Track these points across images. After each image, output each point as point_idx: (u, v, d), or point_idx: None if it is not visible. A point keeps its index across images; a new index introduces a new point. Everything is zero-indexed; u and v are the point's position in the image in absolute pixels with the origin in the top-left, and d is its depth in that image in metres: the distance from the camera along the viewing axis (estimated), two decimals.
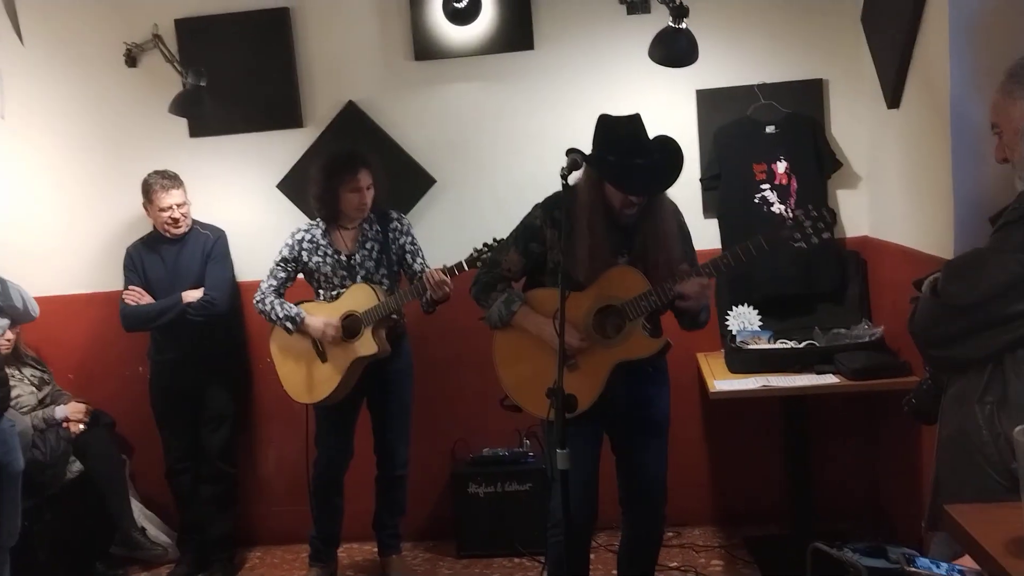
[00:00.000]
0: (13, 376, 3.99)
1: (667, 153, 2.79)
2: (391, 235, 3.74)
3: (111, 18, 4.20)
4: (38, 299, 3.51)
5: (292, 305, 3.70)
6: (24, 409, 3.97)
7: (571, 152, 2.71)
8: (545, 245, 2.88)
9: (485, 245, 3.46)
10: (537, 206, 2.95)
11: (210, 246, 4.03)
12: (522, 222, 2.98)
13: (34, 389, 4.11)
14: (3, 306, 3.12)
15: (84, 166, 4.34)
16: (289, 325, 3.67)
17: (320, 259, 3.72)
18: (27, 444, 3.71)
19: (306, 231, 3.76)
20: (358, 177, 3.63)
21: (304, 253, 3.73)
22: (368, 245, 3.72)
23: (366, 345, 3.60)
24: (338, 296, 3.69)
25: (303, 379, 3.73)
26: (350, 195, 3.64)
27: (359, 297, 3.62)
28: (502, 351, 3.01)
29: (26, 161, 4.36)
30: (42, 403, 4.09)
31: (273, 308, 3.69)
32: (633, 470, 3.02)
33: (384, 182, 3.76)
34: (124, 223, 4.26)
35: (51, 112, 4.32)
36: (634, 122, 2.80)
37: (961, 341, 2.09)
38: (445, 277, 3.47)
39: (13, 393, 3.93)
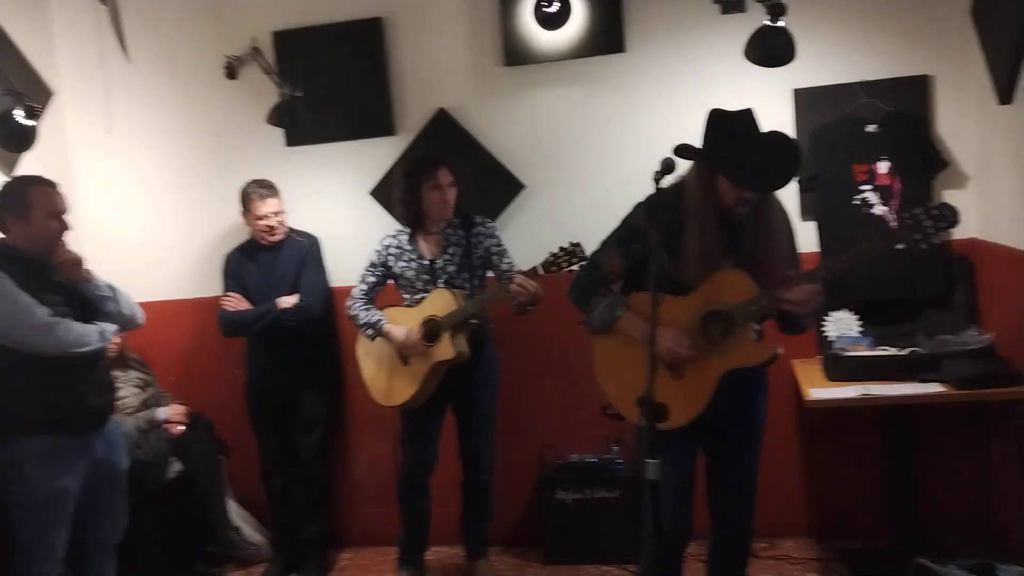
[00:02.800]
0: (118, 378, 4.13)
1: (783, 148, 2.69)
2: (474, 239, 3.74)
3: (212, 32, 4.35)
4: (143, 304, 3.62)
5: (376, 311, 3.75)
6: (128, 410, 4.10)
7: (681, 148, 2.62)
8: (648, 247, 2.81)
9: (562, 249, 3.41)
10: (639, 206, 2.86)
11: (304, 252, 4.11)
12: (623, 222, 2.90)
13: (138, 391, 4.24)
14: (113, 312, 3.24)
15: (187, 176, 4.49)
16: (369, 332, 3.73)
17: (405, 264, 3.75)
18: (131, 445, 3.83)
19: (393, 237, 3.81)
20: (438, 175, 3.65)
21: (391, 258, 3.77)
22: (450, 250, 3.74)
23: (445, 350, 3.60)
24: (421, 301, 3.71)
25: (385, 382, 3.77)
26: (431, 193, 3.66)
27: (439, 302, 3.64)
28: (603, 357, 2.94)
29: (132, 173, 4.54)
30: (145, 404, 4.22)
31: (358, 314, 3.76)
32: (725, 475, 2.95)
33: (466, 182, 3.77)
34: (224, 231, 4.40)
35: (155, 126, 4.49)
36: (748, 116, 2.71)
37: None
38: (525, 282, 3.41)
39: (118, 395, 4.08)
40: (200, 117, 4.45)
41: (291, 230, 4.15)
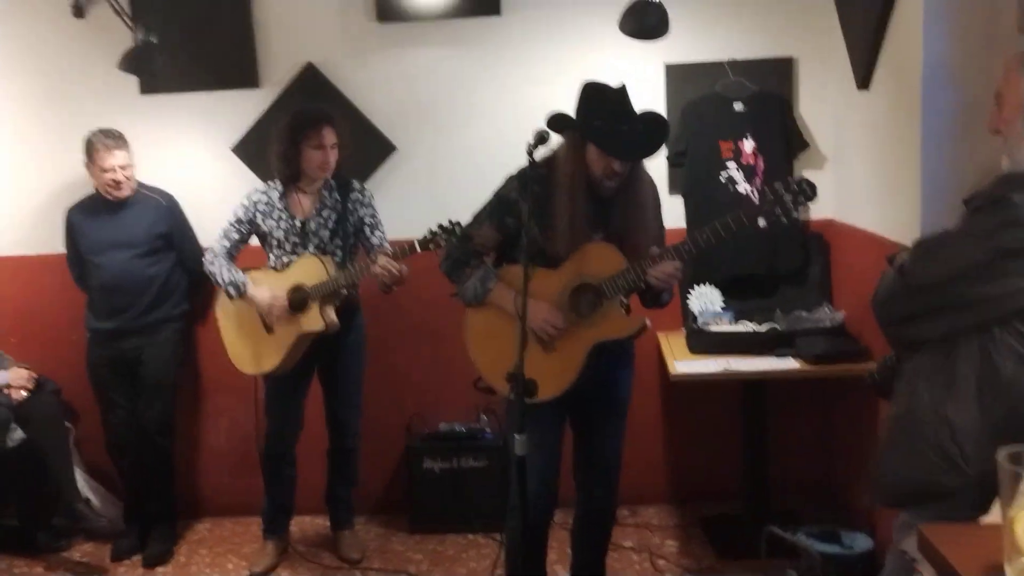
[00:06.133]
0: None
1: (651, 122, 2.75)
2: (350, 205, 3.63)
3: None
4: None
5: (240, 271, 3.60)
6: None
7: (553, 118, 2.61)
8: (520, 219, 2.77)
9: (440, 227, 3.34)
10: (512, 178, 2.85)
11: (163, 213, 3.89)
12: (496, 194, 2.88)
13: None
14: None
15: (28, 123, 4.15)
16: (232, 291, 3.58)
17: (274, 222, 3.60)
18: None
19: (263, 192, 3.65)
20: (322, 133, 3.51)
21: (259, 215, 3.62)
22: (325, 213, 3.61)
23: (313, 321, 3.50)
24: (288, 264, 3.58)
25: (249, 349, 3.65)
26: (313, 152, 3.52)
27: (308, 270, 3.52)
28: (475, 330, 2.92)
29: None
30: None
31: (220, 270, 3.60)
32: (591, 447, 2.98)
33: (349, 146, 3.65)
34: (69, 183, 4.08)
35: None
36: (622, 92, 2.73)
37: (918, 320, 2.08)
38: (389, 265, 3.35)
39: None
40: (43, 57, 4.10)
41: (142, 185, 3.90)
